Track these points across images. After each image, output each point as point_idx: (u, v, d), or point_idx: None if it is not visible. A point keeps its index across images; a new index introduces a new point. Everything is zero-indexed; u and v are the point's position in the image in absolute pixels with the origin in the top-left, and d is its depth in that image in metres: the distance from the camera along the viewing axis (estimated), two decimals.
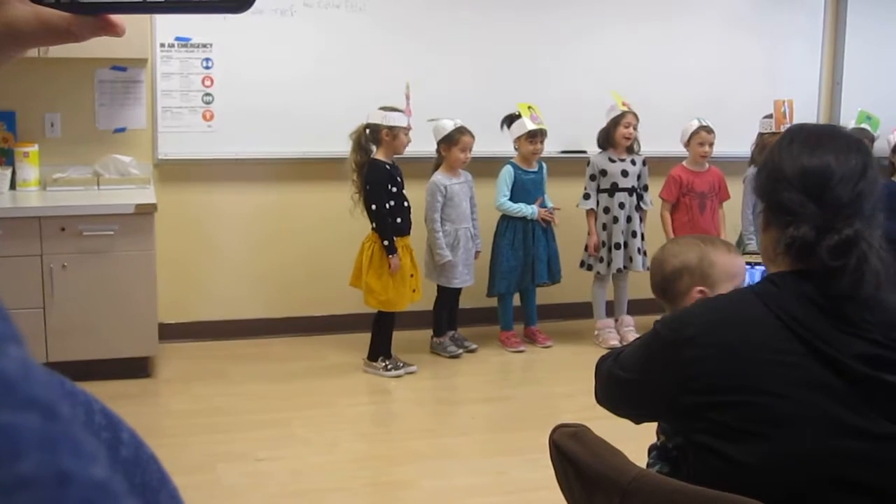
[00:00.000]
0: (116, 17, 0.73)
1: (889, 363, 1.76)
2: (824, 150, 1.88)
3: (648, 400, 1.98)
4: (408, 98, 5.47)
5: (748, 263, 2.46)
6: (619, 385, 2.04)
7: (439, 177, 5.76)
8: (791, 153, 1.90)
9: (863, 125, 6.33)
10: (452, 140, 5.70)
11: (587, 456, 1.86)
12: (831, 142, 1.90)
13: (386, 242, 5.39)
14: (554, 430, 2.00)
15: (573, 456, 1.89)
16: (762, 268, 2.23)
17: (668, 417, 2.02)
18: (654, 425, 2.21)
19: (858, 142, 1.95)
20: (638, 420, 2.12)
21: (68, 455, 0.39)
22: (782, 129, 4.54)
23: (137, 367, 5.31)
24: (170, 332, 5.82)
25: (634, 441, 2.29)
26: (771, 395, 1.77)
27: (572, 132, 6.37)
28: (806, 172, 1.87)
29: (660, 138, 6.34)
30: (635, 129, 6.08)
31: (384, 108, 5.41)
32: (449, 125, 5.71)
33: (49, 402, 0.40)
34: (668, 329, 1.92)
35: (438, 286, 5.89)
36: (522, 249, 5.96)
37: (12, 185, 5.49)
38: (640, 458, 2.09)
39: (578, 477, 1.89)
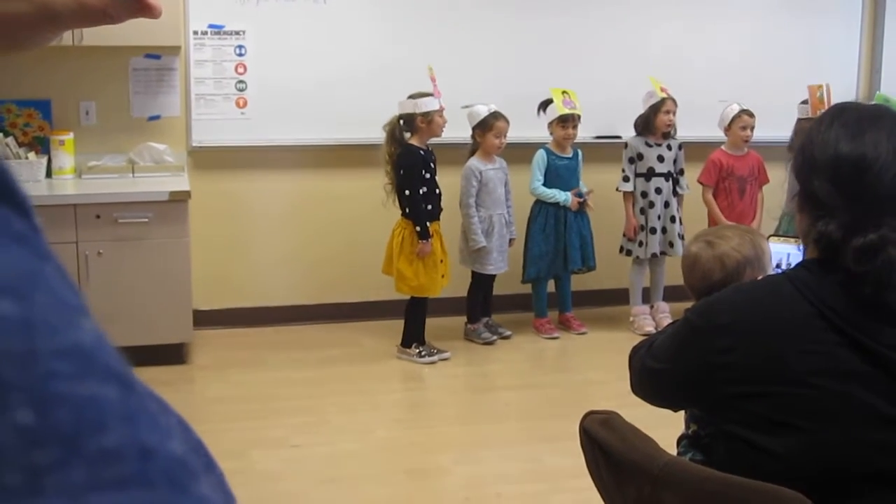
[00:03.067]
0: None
1: None
2: (862, 137, 1.75)
3: (681, 389, 1.94)
4: (433, 80, 5.45)
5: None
6: (652, 376, 1.99)
7: (474, 162, 5.73)
8: (827, 138, 1.78)
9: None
10: (487, 126, 5.67)
11: (617, 443, 1.83)
12: (872, 128, 1.76)
13: (419, 228, 5.38)
14: (584, 417, 1.98)
15: (603, 443, 1.87)
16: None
17: (700, 407, 1.98)
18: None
19: None
20: (675, 409, 2.09)
21: (147, 429, 0.39)
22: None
23: (173, 354, 5.34)
24: (204, 319, 5.84)
25: (666, 428, 2.26)
26: (805, 385, 1.72)
27: (607, 117, 6.32)
28: (839, 162, 1.75)
29: (695, 123, 6.27)
30: (674, 115, 6.02)
31: (413, 97, 5.40)
32: (483, 111, 5.68)
33: (125, 374, 0.40)
34: (700, 317, 1.87)
35: (473, 272, 5.87)
36: (554, 235, 5.93)
37: (48, 173, 5.53)
38: (671, 446, 2.06)
39: (609, 464, 1.86)
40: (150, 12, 0.73)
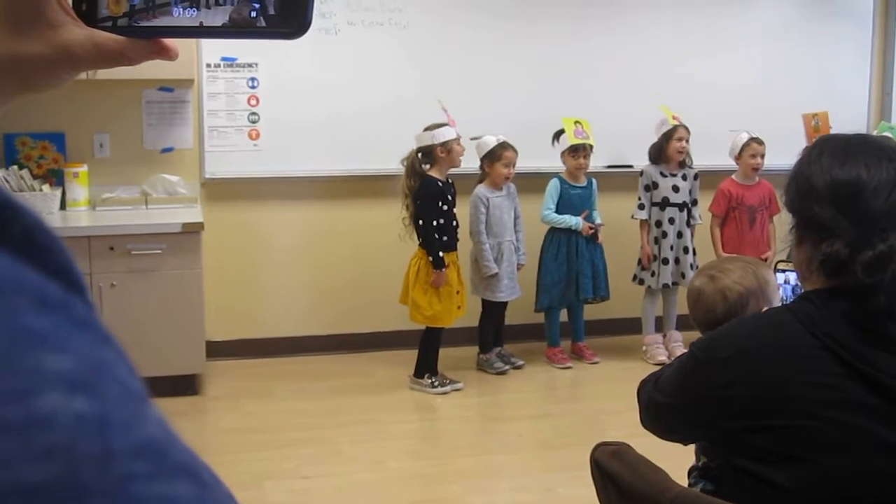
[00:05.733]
0: (170, 41, 0.74)
1: None
2: (854, 160, 1.80)
3: (688, 423, 1.94)
4: (445, 110, 5.48)
5: (778, 270, 2.43)
6: (660, 410, 2.00)
7: (482, 189, 5.75)
8: (820, 166, 1.83)
9: (885, 133, 6.26)
10: (495, 156, 5.69)
11: (628, 474, 1.83)
12: (861, 152, 1.82)
13: (432, 258, 5.40)
14: (595, 449, 1.98)
15: (614, 474, 1.86)
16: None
17: (707, 440, 1.98)
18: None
19: (891, 149, 1.87)
20: (685, 443, 2.09)
21: None
22: None
23: (185, 385, 5.35)
24: (217, 350, 5.85)
25: (677, 459, 2.25)
26: (811, 417, 1.72)
27: (618, 146, 6.34)
28: (836, 185, 1.79)
29: (707, 152, 6.27)
30: (687, 142, 6.03)
31: (430, 128, 5.42)
32: (492, 141, 5.70)
33: (195, 467, 0.40)
34: (704, 351, 1.88)
35: (483, 301, 5.87)
36: (566, 264, 5.93)
37: (62, 206, 5.56)
38: (682, 477, 2.05)
39: (619, 495, 1.86)
40: (167, 54, 0.74)
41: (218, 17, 0.72)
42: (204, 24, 0.72)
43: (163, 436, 0.39)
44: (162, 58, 0.73)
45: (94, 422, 0.36)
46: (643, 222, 6.12)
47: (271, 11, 0.71)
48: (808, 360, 1.74)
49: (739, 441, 1.79)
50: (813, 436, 1.71)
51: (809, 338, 1.75)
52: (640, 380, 2.14)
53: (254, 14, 0.71)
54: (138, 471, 0.36)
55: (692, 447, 2.25)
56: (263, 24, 0.71)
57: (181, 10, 0.72)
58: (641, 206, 6.11)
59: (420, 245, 5.47)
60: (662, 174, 6.07)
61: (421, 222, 5.41)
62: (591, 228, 5.91)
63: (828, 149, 1.87)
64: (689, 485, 2.12)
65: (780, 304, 2.34)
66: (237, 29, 0.72)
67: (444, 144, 5.39)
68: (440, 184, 5.45)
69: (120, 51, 0.71)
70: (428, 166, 5.43)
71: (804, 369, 1.74)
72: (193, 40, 5.58)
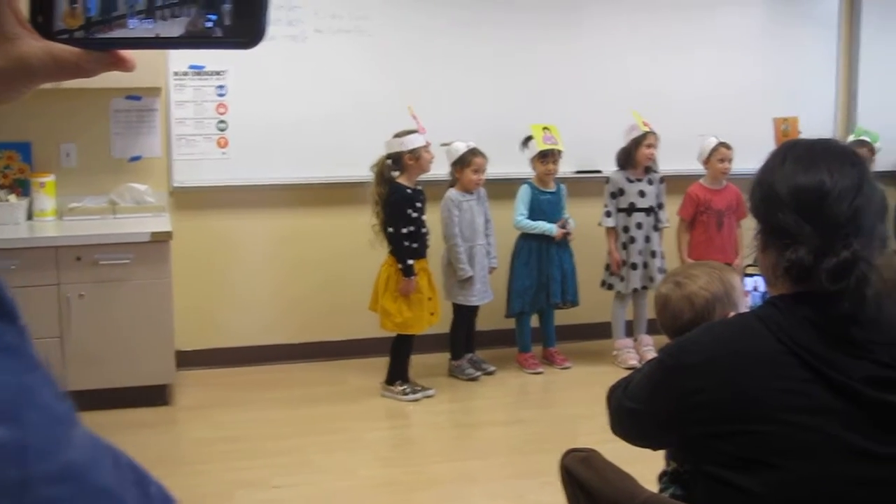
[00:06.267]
0: (127, 53, 0.74)
1: None
2: (817, 166, 1.81)
3: (657, 429, 1.95)
4: (415, 117, 5.48)
5: (748, 275, 2.45)
6: (629, 416, 2.00)
7: (453, 193, 5.76)
8: (784, 172, 1.83)
9: (863, 137, 6.34)
10: (465, 162, 5.70)
11: (596, 480, 1.84)
12: (824, 157, 1.83)
13: (401, 266, 5.39)
14: (564, 455, 1.98)
15: (583, 480, 1.87)
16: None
17: (676, 446, 1.99)
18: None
19: (853, 154, 1.88)
20: (655, 448, 2.10)
21: None
22: None
23: (155, 395, 5.31)
24: (187, 360, 5.82)
25: (646, 463, 2.26)
26: (777, 422, 1.72)
27: (586, 152, 6.35)
28: (799, 192, 1.79)
29: (675, 156, 6.31)
30: (656, 148, 6.06)
31: (399, 135, 5.42)
32: (461, 147, 5.71)
33: (118, 489, 0.41)
34: (672, 358, 1.88)
35: (454, 307, 5.87)
36: (537, 269, 5.95)
37: (29, 216, 5.52)
38: (653, 481, 2.06)
39: (589, 501, 1.86)
40: (124, 66, 0.74)
41: (174, 29, 0.72)
42: (160, 36, 0.73)
43: (86, 459, 0.39)
44: (119, 69, 0.73)
45: (14, 450, 0.36)
46: (610, 230, 6.14)
47: (227, 22, 0.71)
48: (775, 366, 1.75)
49: (708, 447, 1.79)
50: (781, 441, 1.72)
51: (776, 343, 1.75)
52: (609, 386, 2.14)
53: (210, 25, 0.71)
54: (58, 495, 0.36)
55: (662, 452, 2.26)
56: (220, 34, 0.71)
57: (137, 21, 0.72)
58: (608, 214, 6.13)
59: (390, 252, 5.47)
60: (629, 180, 6.10)
61: (391, 230, 5.40)
62: (564, 232, 5.93)
63: (791, 154, 1.87)
64: (660, 490, 2.12)
65: (746, 309, 2.36)
66: (194, 39, 0.72)
67: (412, 151, 5.39)
68: (409, 191, 5.44)
69: (76, 62, 0.71)
70: (398, 173, 5.43)
71: (771, 375, 1.74)
72: None
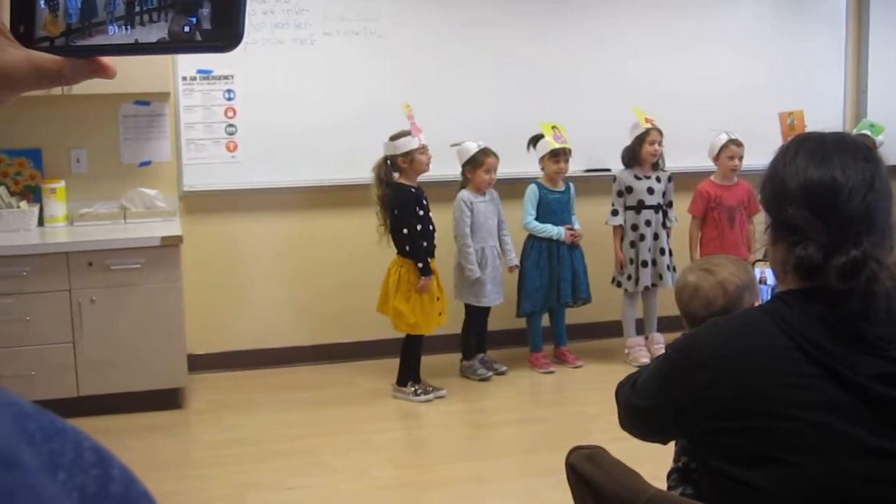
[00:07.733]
0: (108, 60, 0.74)
1: None
2: (830, 161, 1.77)
3: (666, 425, 1.94)
4: (410, 118, 5.47)
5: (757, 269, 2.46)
6: (638, 412, 1.99)
7: (465, 193, 5.75)
8: (795, 166, 1.80)
9: (864, 131, 6.29)
10: (477, 162, 5.70)
11: (603, 477, 1.83)
12: (837, 152, 1.79)
13: (420, 265, 5.39)
14: (570, 453, 1.98)
15: (589, 478, 1.87)
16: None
17: (686, 441, 1.98)
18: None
19: (867, 149, 1.84)
20: (664, 442, 2.09)
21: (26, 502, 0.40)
22: None
23: (168, 399, 5.33)
24: (199, 363, 5.84)
25: (654, 461, 2.26)
26: (784, 418, 1.71)
27: (595, 150, 6.35)
28: (811, 187, 1.76)
29: (684, 154, 6.30)
30: (660, 145, 6.04)
31: (393, 138, 5.41)
32: (473, 147, 5.71)
33: (8, 453, 0.40)
34: (680, 353, 1.87)
35: (466, 307, 5.87)
36: (548, 269, 5.94)
37: (40, 222, 5.54)
38: (658, 479, 2.06)
39: (595, 499, 1.86)
40: (104, 73, 0.74)
41: (153, 34, 0.72)
42: (139, 42, 0.73)
43: None
44: (100, 76, 0.74)
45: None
46: (616, 228, 6.13)
47: (206, 26, 0.72)
48: (783, 361, 1.73)
49: (714, 442, 1.79)
50: (788, 436, 1.71)
51: (784, 339, 1.74)
52: (618, 382, 2.14)
53: (188, 29, 0.71)
54: None
55: (672, 450, 2.26)
56: (199, 38, 0.72)
57: (116, 28, 0.73)
58: (615, 213, 6.12)
59: (402, 254, 5.46)
60: (637, 177, 6.08)
61: (405, 231, 5.40)
62: (573, 236, 5.92)
63: (803, 149, 1.83)
64: (669, 487, 2.12)
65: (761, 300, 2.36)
66: (173, 44, 0.73)
67: (405, 155, 5.38)
68: (413, 190, 5.45)
69: (58, 70, 0.72)
70: (397, 174, 5.44)
71: (779, 370, 1.73)
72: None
